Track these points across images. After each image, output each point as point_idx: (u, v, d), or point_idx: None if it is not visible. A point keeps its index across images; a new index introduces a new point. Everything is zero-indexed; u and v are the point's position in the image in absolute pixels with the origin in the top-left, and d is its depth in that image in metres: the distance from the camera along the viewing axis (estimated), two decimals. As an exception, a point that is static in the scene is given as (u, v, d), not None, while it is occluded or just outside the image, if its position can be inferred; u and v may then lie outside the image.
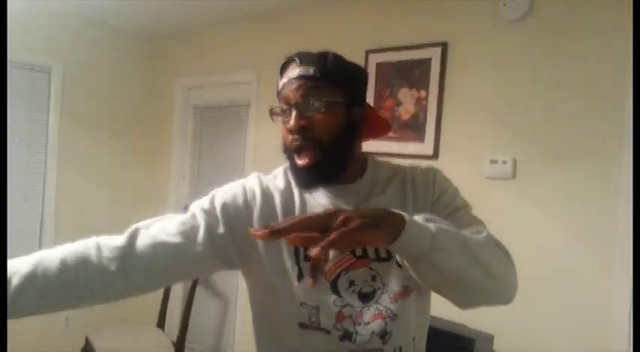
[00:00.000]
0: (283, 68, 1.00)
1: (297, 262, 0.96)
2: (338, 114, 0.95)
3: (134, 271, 0.92)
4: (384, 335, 0.96)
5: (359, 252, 0.96)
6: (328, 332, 0.95)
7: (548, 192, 1.98)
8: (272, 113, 1.00)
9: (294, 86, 0.95)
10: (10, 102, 3.04)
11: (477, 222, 1.01)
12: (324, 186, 0.99)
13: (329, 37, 2.70)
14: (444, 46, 2.25)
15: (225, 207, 1.00)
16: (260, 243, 0.97)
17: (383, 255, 0.96)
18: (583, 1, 1.93)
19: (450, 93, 2.25)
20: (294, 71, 0.96)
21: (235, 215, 0.99)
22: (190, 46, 3.51)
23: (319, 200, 1.00)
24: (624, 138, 1.81)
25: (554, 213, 1.97)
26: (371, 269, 0.96)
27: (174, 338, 2.90)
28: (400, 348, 0.97)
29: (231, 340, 3.17)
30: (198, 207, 1.02)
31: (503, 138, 2.10)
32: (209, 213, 0.99)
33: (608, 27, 1.87)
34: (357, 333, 0.95)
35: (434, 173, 1.04)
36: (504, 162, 2.08)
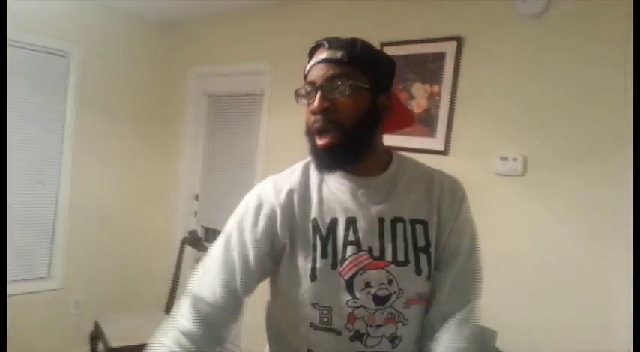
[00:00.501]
0: (312, 51, 1.01)
1: (313, 260, 0.97)
2: (362, 100, 0.96)
3: (221, 338, 1.01)
4: (394, 338, 0.97)
5: (377, 253, 0.96)
6: (339, 333, 0.96)
7: (557, 191, 1.97)
8: (297, 95, 1.01)
9: (320, 69, 0.97)
10: (28, 85, 3.09)
11: (471, 278, 1.03)
12: (342, 168, 1.00)
13: (343, 28, 2.64)
14: (459, 40, 2.24)
15: (251, 232, 1.01)
16: (286, 252, 0.99)
17: (401, 258, 0.97)
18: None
19: (464, 88, 2.23)
20: (322, 54, 0.97)
21: (260, 235, 1.00)
22: (205, 35, 3.53)
23: (338, 194, 1.00)
24: (632, 140, 1.78)
25: (562, 211, 1.95)
26: (388, 272, 0.96)
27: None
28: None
29: (237, 329, 3.20)
30: (226, 242, 1.04)
31: (515, 135, 2.08)
32: (241, 244, 1.01)
33: (626, 25, 1.83)
34: (368, 335, 0.95)
35: (462, 194, 1.05)
36: (515, 159, 2.06)
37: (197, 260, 3.21)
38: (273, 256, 1.01)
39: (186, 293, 1.03)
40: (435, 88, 2.29)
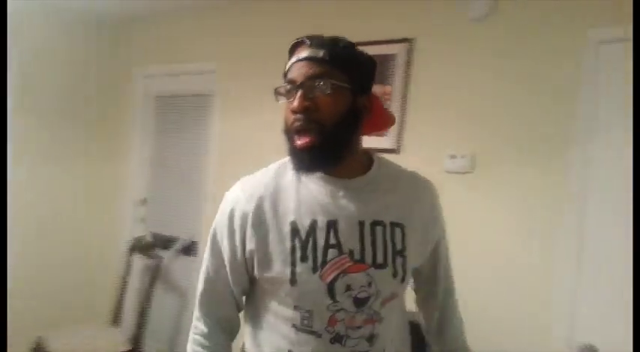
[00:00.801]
0: (292, 49, 1.00)
1: (292, 264, 0.96)
2: (343, 99, 0.95)
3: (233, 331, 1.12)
4: (371, 338, 0.98)
5: (357, 256, 0.96)
6: (320, 336, 0.96)
7: (503, 186, 2.06)
8: (276, 93, 1.00)
9: (301, 67, 0.95)
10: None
11: (449, 258, 1.17)
12: (321, 169, 0.99)
13: (294, 29, 2.67)
14: (409, 42, 2.30)
15: (229, 240, 1.04)
16: (257, 252, 0.99)
17: (380, 261, 0.98)
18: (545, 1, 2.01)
19: (415, 89, 2.29)
20: (303, 52, 0.96)
21: (238, 241, 1.02)
22: (152, 34, 3.42)
23: (318, 196, 0.99)
24: (574, 137, 1.90)
25: (509, 206, 2.05)
26: (368, 275, 0.97)
27: (130, 337, 2.82)
28: (384, 350, 1.01)
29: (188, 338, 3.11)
30: (209, 261, 1.09)
31: (464, 134, 2.16)
32: (216, 256, 1.07)
33: (571, 25, 1.95)
34: (347, 337, 0.96)
35: (437, 195, 1.12)
36: (463, 157, 2.14)
37: (148, 267, 3.13)
38: (250, 260, 1.02)
39: (196, 305, 1.11)
40: (387, 88, 2.34)
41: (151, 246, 3.19)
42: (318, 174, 1.00)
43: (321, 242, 0.96)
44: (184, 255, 3.19)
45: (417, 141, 2.27)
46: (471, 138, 2.14)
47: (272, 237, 0.98)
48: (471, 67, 2.16)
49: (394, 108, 2.31)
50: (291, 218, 0.98)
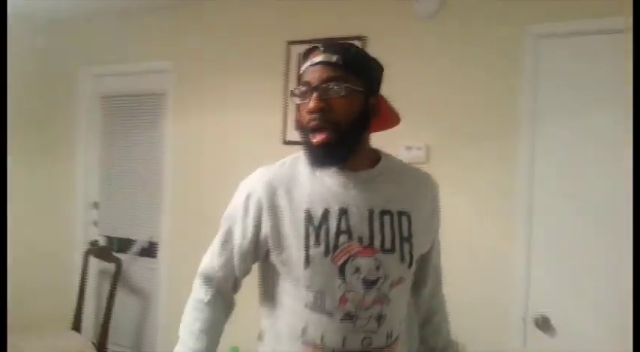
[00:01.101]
0: (306, 54, 1.07)
1: (306, 248, 1.03)
2: (356, 101, 1.04)
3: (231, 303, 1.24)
4: (379, 318, 1.05)
5: (366, 242, 1.04)
6: (331, 315, 1.03)
7: (457, 175, 2.17)
8: (292, 94, 1.08)
9: (316, 71, 1.03)
10: None
11: (439, 254, 1.30)
12: (335, 164, 1.07)
13: (249, 27, 2.71)
14: (362, 39, 2.38)
15: (242, 221, 1.12)
16: (271, 236, 1.07)
17: (388, 247, 1.06)
18: None
19: (370, 84, 2.37)
20: (318, 57, 1.04)
21: (251, 224, 1.10)
22: (99, 33, 3.30)
23: (331, 187, 1.08)
24: (520, 125, 2.06)
25: (464, 194, 2.17)
26: (376, 259, 1.05)
27: (94, 340, 2.77)
28: (391, 332, 1.08)
29: (153, 339, 3.08)
30: (223, 231, 1.17)
31: (418, 126, 2.26)
32: (226, 241, 1.16)
33: (512, 21, 2.09)
34: (357, 316, 1.04)
35: (436, 188, 1.22)
36: (419, 148, 2.25)
37: (103, 272, 3.06)
38: (264, 244, 1.10)
39: (197, 275, 1.21)
40: (344, 84, 2.41)
41: (108, 249, 3.12)
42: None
43: (332, 228, 1.04)
44: (144, 257, 3.15)
45: (374, 135, 2.33)
46: (425, 130, 2.25)
47: (287, 222, 1.06)
48: (422, 61, 2.27)
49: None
50: (305, 206, 1.06)
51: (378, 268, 1.05)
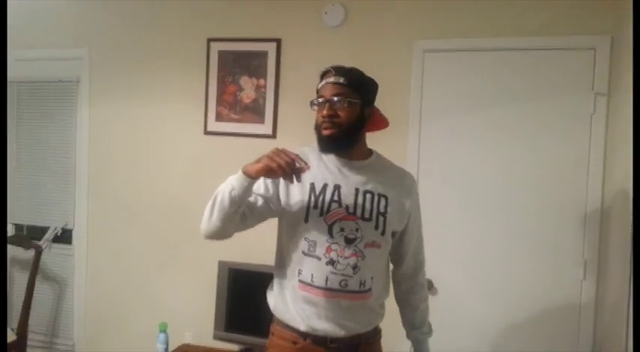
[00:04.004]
0: (323, 75, 1.50)
1: (307, 208, 1.42)
2: (355, 110, 1.45)
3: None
4: (355, 267, 1.43)
5: (351, 210, 1.43)
6: (319, 259, 1.41)
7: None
8: (312, 103, 1.49)
9: (329, 88, 1.45)
10: None
11: (420, 241, 1.67)
12: (337, 151, 1.48)
13: (169, 21, 2.84)
14: (278, 42, 2.65)
15: (267, 182, 1.47)
16: (284, 198, 1.46)
17: (367, 216, 1.44)
18: (385, 12, 2.52)
19: (285, 82, 2.67)
20: (330, 78, 1.46)
21: (270, 183, 1.47)
22: (12, 18, 3.18)
23: (331, 169, 1.47)
24: (410, 123, 2.49)
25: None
26: (356, 223, 1.43)
27: (14, 327, 2.78)
28: (364, 281, 1.44)
29: (70, 324, 3.14)
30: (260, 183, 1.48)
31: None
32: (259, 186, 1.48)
33: (403, 36, 2.49)
34: (338, 262, 1.41)
35: (414, 182, 1.61)
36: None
37: (14, 259, 3.03)
38: (279, 202, 1.47)
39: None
40: (261, 82, 2.68)
41: (24, 237, 3.10)
42: (334, 156, 1.49)
43: (328, 198, 1.44)
44: (58, 244, 3.18)
45: (292, 128, 2.65)
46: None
47: (297, 190, 1.45)
48: (329, 64, 2.57)
49: (268, 99, 2.66)
50: (311, 180, 1.45)
51: (357, 230, 1.43)
